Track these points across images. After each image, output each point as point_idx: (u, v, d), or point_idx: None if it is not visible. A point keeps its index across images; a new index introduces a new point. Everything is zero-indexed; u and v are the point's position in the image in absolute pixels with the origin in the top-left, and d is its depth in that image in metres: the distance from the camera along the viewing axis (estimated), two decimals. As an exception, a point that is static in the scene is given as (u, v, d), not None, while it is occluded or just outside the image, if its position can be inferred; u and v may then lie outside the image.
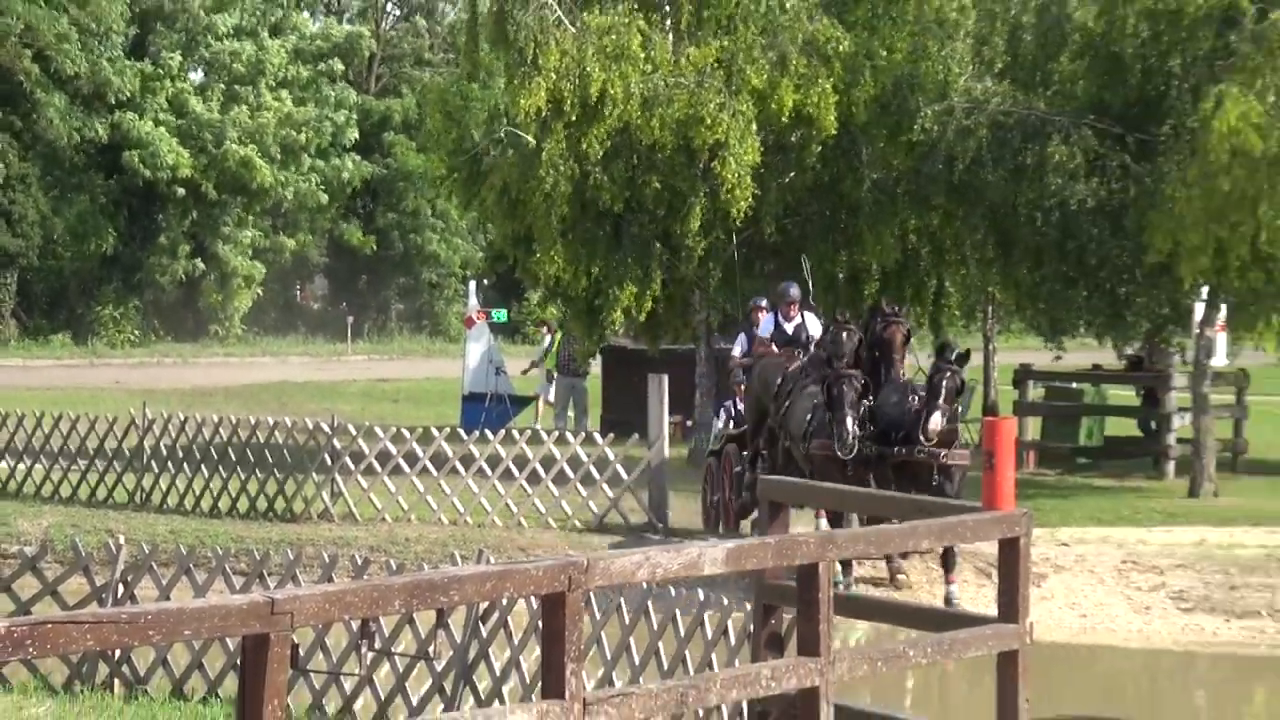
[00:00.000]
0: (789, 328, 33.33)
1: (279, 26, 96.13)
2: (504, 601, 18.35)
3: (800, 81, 41.36)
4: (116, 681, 20.89)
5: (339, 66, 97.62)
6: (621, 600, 18.74)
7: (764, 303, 36.78)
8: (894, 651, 14.46)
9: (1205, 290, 41.52)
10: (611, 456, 34.47)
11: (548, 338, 49.49)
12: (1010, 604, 14.73)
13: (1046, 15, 42.76)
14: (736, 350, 35.75)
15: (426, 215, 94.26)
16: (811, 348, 33.27)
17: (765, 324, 34.90)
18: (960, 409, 33.95)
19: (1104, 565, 32.48)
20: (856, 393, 31.27)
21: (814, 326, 34.26)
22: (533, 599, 13.02)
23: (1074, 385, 39.83)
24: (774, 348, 34.64)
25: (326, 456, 35.41)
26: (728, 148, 40.62)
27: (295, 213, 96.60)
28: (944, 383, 30.51)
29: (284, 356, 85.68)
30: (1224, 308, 43.58)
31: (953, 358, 31.84)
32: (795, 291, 34.76)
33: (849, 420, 30.73)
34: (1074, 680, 24.63)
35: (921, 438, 30.58)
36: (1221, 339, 48.12)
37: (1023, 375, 45.79)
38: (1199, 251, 38.22)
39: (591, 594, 13.38)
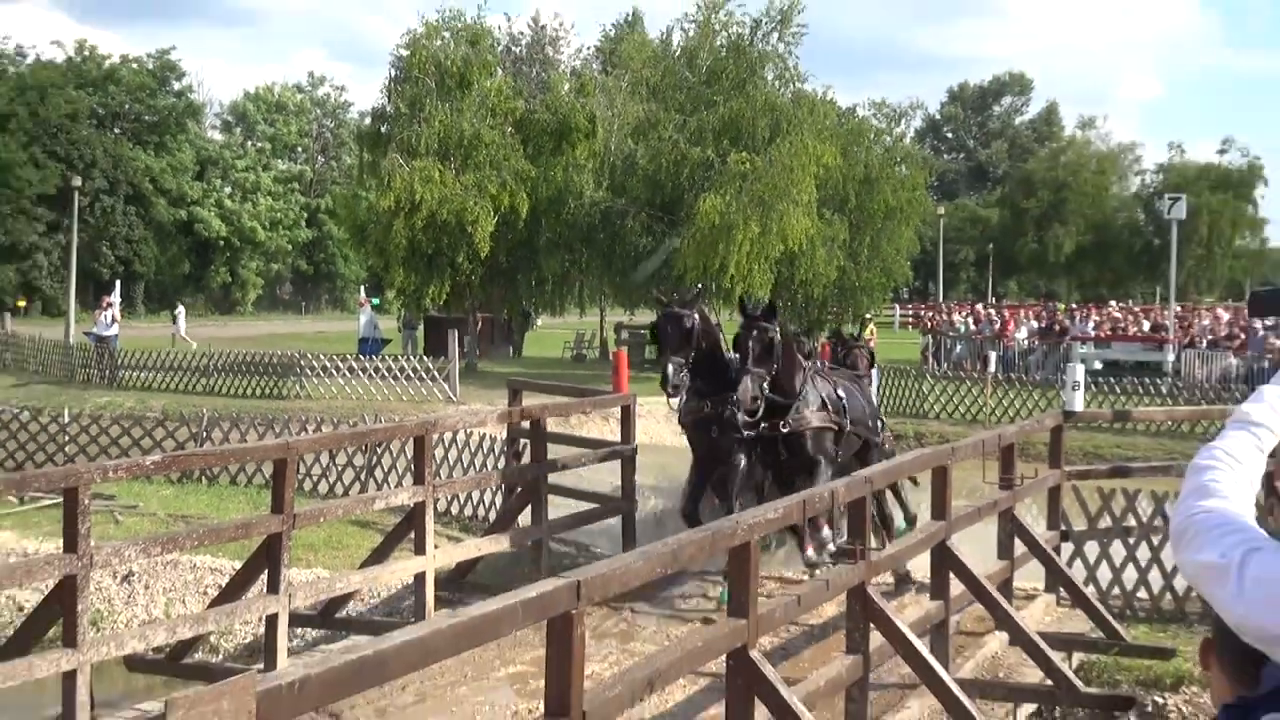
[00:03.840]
0: None
1: (267, 165, 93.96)
2: (393, 440, 17.19)
3: (511, 191, 41.02)
4: (203, 477, 20.29)
5: (297, 184, 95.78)
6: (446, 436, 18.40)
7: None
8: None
9: (699, 285, 41.97)
10: (431, 367, 33.95)
11: (366, 308, 48.02)
12: (628, 436, 14.55)
13: (628, 160, 42.81)
14: None
15: (340, 255, 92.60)
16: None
17: None
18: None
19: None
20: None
21: None
22: (410, 439, 12.52)
23: (641, 331, 39.57)
24: None
25: (297, 367, 34.64)
26: (478, 223, 40.18)
27: (276, 254, 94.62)
28: (749, 342, 12.46)
29: (273, 322, 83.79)
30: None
31: (758, 312, 13.17)
32: None
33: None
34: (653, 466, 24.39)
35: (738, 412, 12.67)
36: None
37: (619, 327, 45.59)
38: (697, 268, 38.56)
39: (437, 435, 12.97)
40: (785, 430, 12.09)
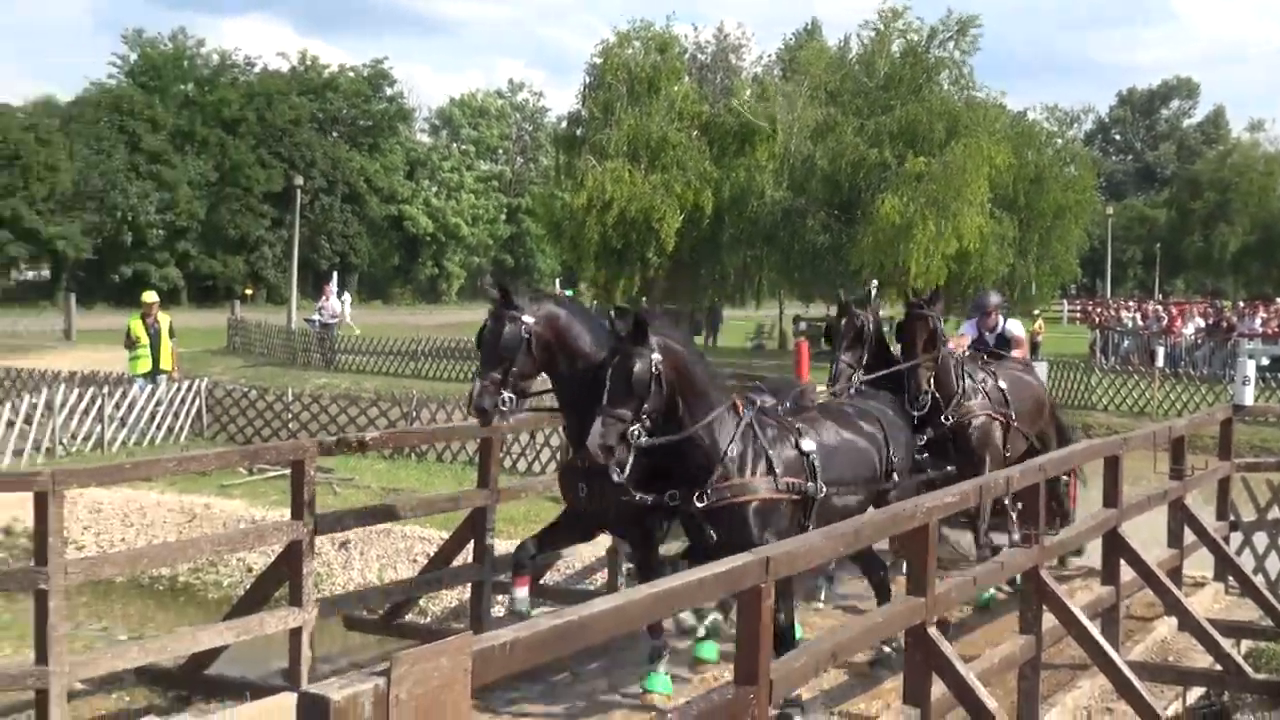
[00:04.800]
0: (990, 338, 13.74)
1: (470, 166, 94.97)
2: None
3: (696, 190, 41.13)
4: (413, 454, 20.64)
5: (497, 183, 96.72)
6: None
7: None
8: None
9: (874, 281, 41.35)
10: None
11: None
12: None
13: (807, 161, 42.49)
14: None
15: (537, 249, 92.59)
16: (1014, 352, 13.48)
17: (967, 329, 14.50)
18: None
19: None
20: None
21: (1015, 329, 14.36)
22: None
23: (818, 323, 39.15)
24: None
25: None
26: (665, 220, 40.39)
27: (478, 248, 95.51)
28: (607, 373, 7.52)
29: (475, 311, 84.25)
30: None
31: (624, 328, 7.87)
32: (993, 300, 14.40)
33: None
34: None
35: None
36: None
37: (797, 319, 45.19)
38: (874, 264, 38.19)
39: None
40: (701, 505, 7.74)
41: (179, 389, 23.23)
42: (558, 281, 54.57)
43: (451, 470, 19.60)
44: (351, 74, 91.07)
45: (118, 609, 15.22)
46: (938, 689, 6.97)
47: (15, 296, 71.18)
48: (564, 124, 48.84)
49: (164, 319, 23.20)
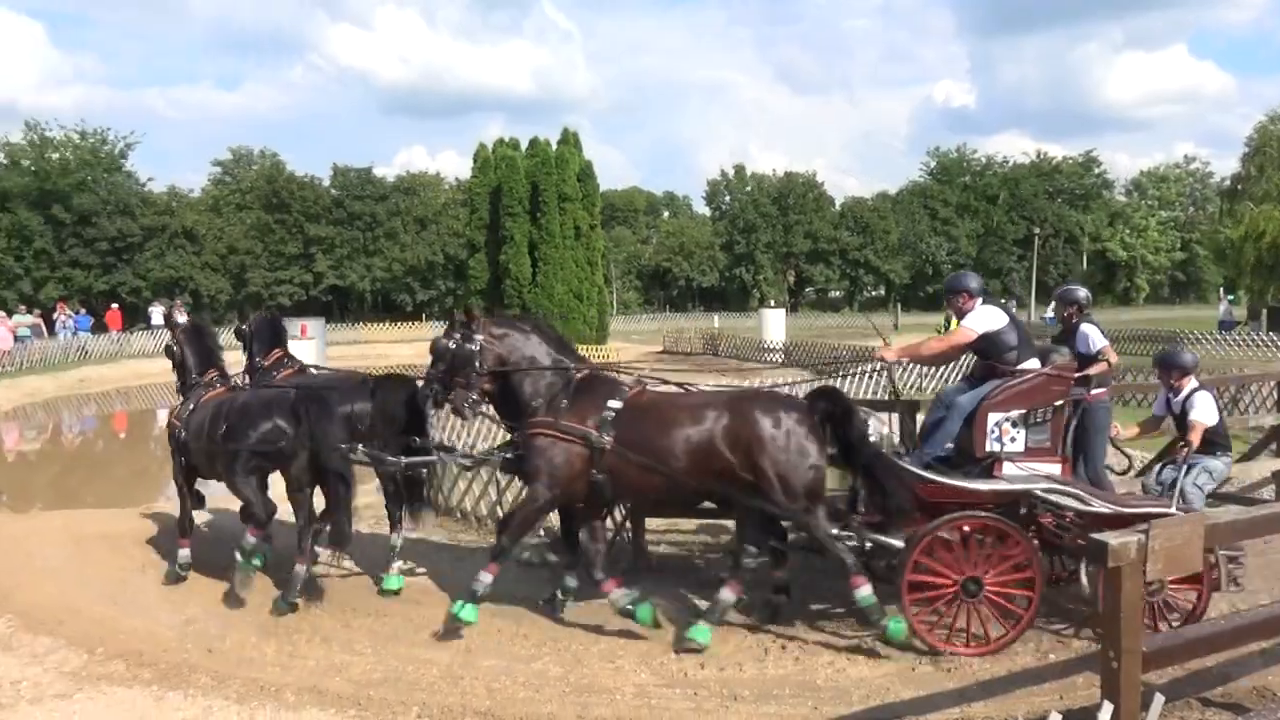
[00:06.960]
0: (1175, 405, 6.91)
1: (1154, 213, 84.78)
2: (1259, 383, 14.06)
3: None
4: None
5: (1173, 224, 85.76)
6: None
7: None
8: None
9: None
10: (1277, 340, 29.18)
11: (1223, 302, 40.86)
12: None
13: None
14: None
15: (1203, 268, 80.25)
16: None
17: (1158, 406, 7.17)
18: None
19: None
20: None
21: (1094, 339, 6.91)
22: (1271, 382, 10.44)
23: None
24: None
25: (1176, 338, 31.54)
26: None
27: (1158, 268, 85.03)
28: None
29: (1157, 310, 73.43)
30: None
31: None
32: (1186, 359, 6.88)
33: None
34: None
35: None
36: None
37: None
38: None
39: None
40: None
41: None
42: (1221, 290, 47.75)
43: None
44: (1070, 162, 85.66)
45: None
46: None
47: (865, 306, 75.31)
48: (1226, 182, 43.23)
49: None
